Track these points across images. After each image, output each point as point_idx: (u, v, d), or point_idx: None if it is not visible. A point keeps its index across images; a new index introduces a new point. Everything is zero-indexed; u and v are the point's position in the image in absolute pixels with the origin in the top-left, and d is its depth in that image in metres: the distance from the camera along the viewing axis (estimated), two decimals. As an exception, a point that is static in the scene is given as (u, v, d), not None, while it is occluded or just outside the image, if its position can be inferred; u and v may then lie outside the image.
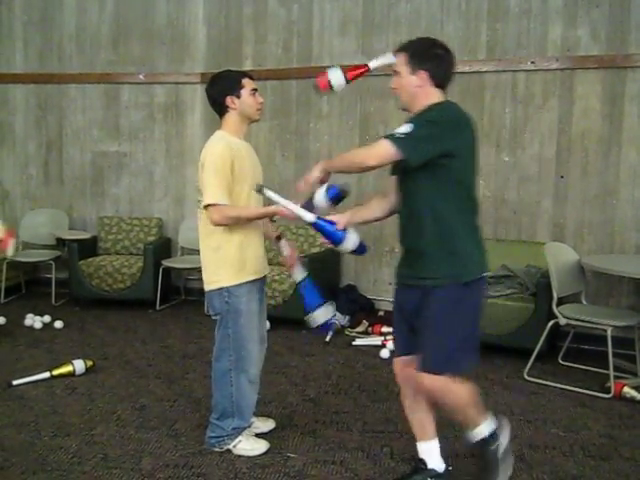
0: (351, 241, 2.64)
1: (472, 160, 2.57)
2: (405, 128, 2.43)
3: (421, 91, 2.53)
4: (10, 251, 3.87)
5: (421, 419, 2.76)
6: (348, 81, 2.82)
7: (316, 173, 2.63)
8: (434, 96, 2.54)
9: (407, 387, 2.75)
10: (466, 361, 2.60)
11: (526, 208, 5.10)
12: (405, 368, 2.71)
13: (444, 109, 2.52)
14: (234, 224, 2.90)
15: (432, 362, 2.52)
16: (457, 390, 2.56)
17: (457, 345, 2.53)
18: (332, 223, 2.61)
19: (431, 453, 2.76)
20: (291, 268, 3.13)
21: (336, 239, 2.63)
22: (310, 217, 2.64)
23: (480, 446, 2.65)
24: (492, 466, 2.64)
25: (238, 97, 2.97)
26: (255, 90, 3.01)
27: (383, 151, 2.43)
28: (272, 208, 2.84)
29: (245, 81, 2.99)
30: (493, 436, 2.63)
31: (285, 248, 3.17)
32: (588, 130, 4.88)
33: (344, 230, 2.63)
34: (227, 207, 2.86)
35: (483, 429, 2.63)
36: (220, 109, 3.01)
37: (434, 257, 2.54)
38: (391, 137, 2.43)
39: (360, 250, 2.70)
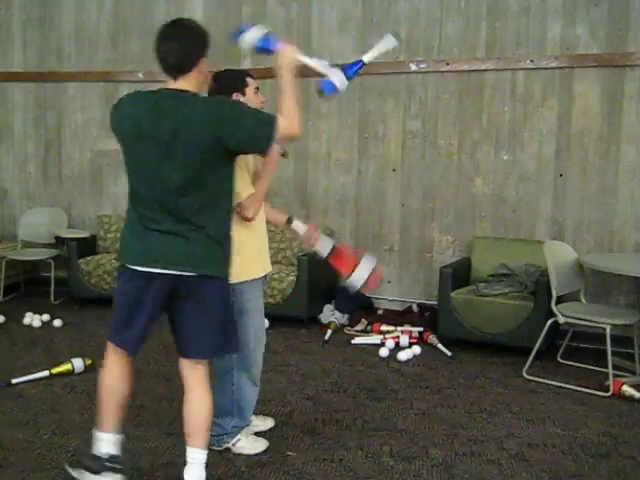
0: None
1: (131, 153, 2.50)
2: None
3: None
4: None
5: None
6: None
7: None
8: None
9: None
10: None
11: (525, 206, 5.11)
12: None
13: None
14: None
15: None
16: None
17: None
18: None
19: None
20: (315, 245, 3.07)
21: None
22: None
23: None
24: None
25: (243, 95, 2.96)
26: (257, 89, 3.02)
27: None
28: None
29: (248, 80, 3.00)
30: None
31: (300, 228, 3.12)
32: (587, 129, 4.88)
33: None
34: (253, 201, 2.86)
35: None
36: None
37: None
38: None
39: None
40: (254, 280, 2.99)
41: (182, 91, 2.46)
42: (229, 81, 3.00)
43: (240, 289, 2.94)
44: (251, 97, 2.97)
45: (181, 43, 2.44)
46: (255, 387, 3.11)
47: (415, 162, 5.42)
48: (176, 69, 2.46)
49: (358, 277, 2.91)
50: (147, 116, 2.44)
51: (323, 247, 3.03)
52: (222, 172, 2.50)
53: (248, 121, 2.45)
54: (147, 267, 2.47)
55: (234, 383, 3.02)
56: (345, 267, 2.95)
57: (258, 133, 2.45)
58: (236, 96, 2.96)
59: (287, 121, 2.47)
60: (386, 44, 2.76)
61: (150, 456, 3.05)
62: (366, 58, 2.81)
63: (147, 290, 2.49)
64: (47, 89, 6.42)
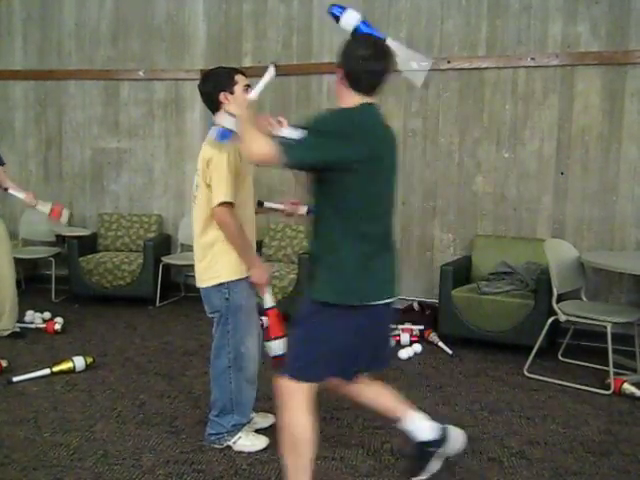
0: None
1: (378, 176, 2.35)
2: (298, 134, 2.26)
3: (339, 90, 2.38)
4: (64, 218, 3.73)
5: (384, 401, 2.81)
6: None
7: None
8: (349, 99, 2.34)
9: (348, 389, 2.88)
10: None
11: (526, 205, 5.10)
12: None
13: (340, 117, 2.31)
14: (226, 233, 2.90)
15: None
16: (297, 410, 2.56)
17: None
18: None
19: (418, 426, 2.72)
20: (292, 214, 3.22)
21: None
22: None
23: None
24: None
25: (231, 93, 2.95)
26: (248, 86, 2.99)
27: (267, 154, 2.23)
28: (256, 268, 2.98)
29: (238, 77, 2.97)
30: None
31: (274, 205, 3.27)
32: (588, 126, 4.88)
33: None
34: (236, 222, 2.89)
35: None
36: (213, 106, 2.99)
37: (319, 269, 2.40)
38: (282, 144, 2.24)
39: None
40: (244, 278, 2.99)
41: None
42: (216, 80, 2.98)
43: (235, 286, 2.96)
44: (240, 95, 2.94)
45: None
46: (252, 385, 3.11)
47: (416, 160, 5.42)
48: (379, 89, 2.37)
49: (276, 347, 3.01)
50: (391, 138, 2.46)
51: (266, 300, 3.10)
52: None
53: None
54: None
55: (232, 381, 3.03)
56: (274, 331, 3.03)
57: None
58: (223, 96, 2.94)
59: (244, 147, 2.38)
60: (268, 75, 2.78)
61: (152, 454, 3.05)
62: (253, 94, 2.83)
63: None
64: (48, 87, 6.42)
